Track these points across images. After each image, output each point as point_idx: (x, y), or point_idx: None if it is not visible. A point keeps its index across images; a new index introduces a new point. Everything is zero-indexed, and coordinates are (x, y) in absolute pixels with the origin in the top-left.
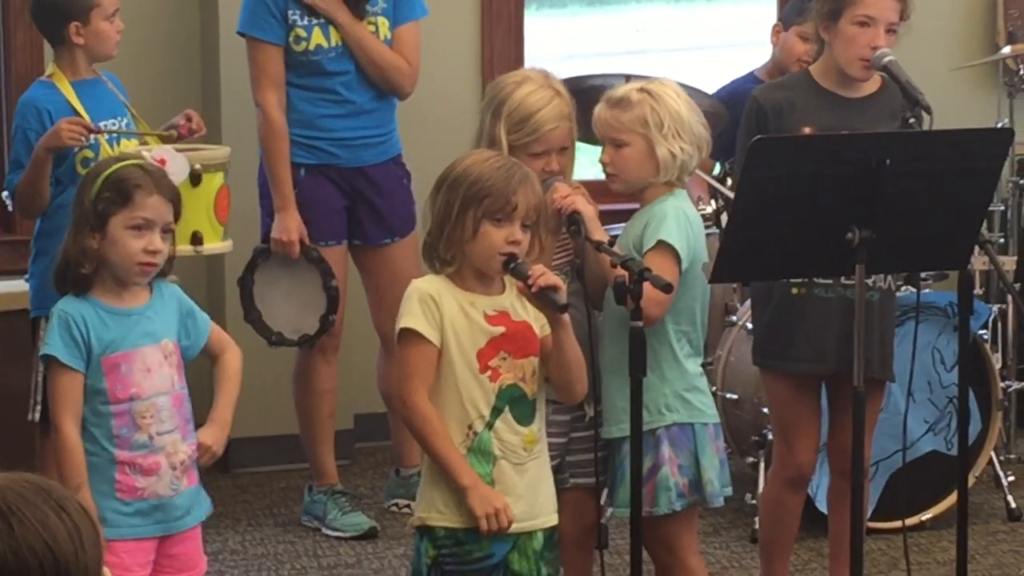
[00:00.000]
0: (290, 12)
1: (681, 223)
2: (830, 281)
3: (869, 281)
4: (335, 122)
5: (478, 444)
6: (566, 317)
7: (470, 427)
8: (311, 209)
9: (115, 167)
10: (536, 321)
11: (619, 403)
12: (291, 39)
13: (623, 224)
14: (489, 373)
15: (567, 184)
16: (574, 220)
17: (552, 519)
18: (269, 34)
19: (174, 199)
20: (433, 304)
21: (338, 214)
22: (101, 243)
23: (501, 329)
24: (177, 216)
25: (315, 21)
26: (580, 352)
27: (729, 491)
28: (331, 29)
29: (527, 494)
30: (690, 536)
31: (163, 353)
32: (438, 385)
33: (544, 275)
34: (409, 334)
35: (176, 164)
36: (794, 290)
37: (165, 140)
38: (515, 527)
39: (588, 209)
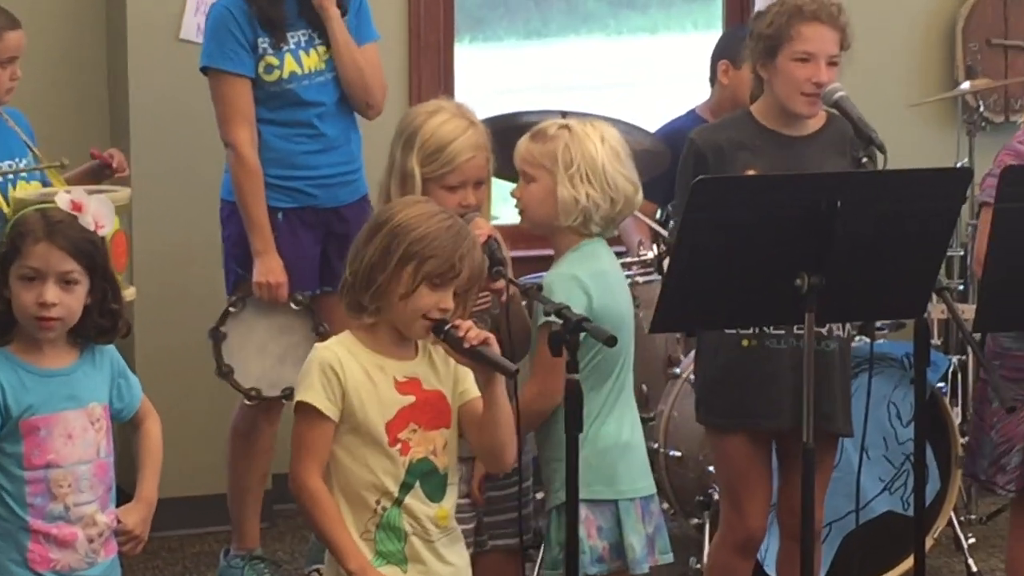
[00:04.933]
0: (260, 40)
1: (571, 291)
2: (782, 331)
3: (824, 330)
4: (313, 159)
5: (387, 520)
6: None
7: (378, 502)
8: (287, 258)
9: (20, 214)
10: (452, 390)
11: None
12: (261, 69)
13: (543, 272)
14: (399, 446)
15: (487, 222)
16: (496, 260)
17: None
18: (239, 66)
19: (75, 248)
20: (334, 376)
21: (313, 262)
22: (10, 295)
23: (411, 398)
24: (93, 266)
25: (286, 48)
26: (511, 414)
27: (669, 558)
28: (301, 55)
29: (441, 572)
30: None
31: (89, 418)
32: (345, 458)
33: (471, 330)
34: (306, 408)
35: (97, 211)
36: (744, 342)
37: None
38: None
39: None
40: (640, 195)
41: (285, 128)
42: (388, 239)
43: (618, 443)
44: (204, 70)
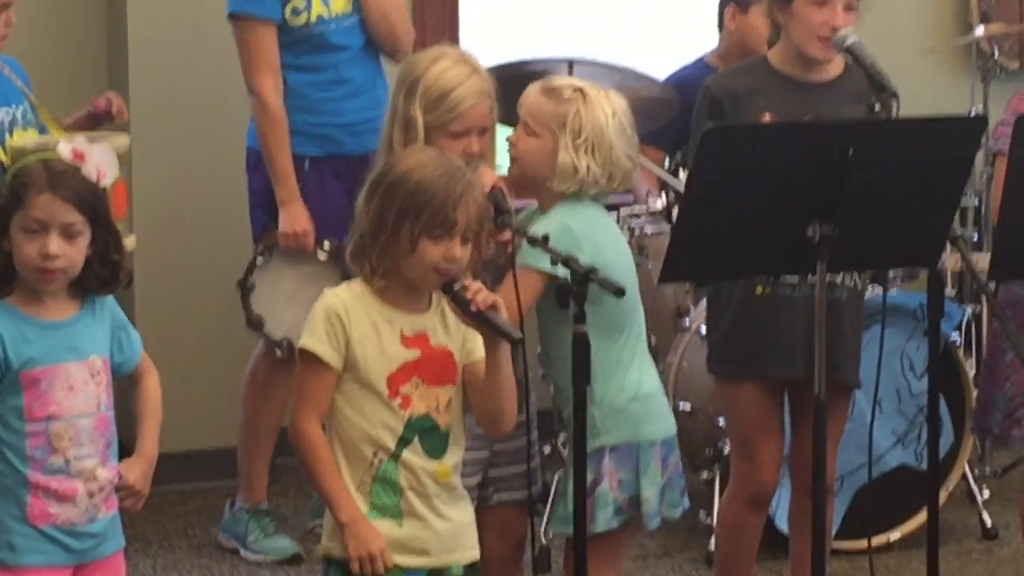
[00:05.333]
0: None
1: (563, 242)
2: (796, 280)
3: (837, 279)
4: (340, 104)
5: (383, 473)
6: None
7: (375, 455)
8: (314, 208)
9: (19, 164)
10: (459, 348)
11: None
12: (288, 12)
13: None
14: (399, 400)
15: (492, 171)
16: (501, 209)
17: (472, 554)
18: (266, 9)
19: (78, 199)
20: (339, 324)
21: (342, 212)
22: (10, 247)
23: (416, 353)
24: (96, 219)
25: None
26: (514, 382)
27: (676, 513)
28: None
29: (441, 527)
30: (610, 560)
31: (90, 371)
32: (345, 407)
33: (480, 293)
34: (308, 355)
35: (99, 160)
36: (758, 289)
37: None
38: (429, 561)
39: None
40: (636, 172)
41: (311, 74)
42: (383, 200)
43: (639, 394)
44: (231, 16)
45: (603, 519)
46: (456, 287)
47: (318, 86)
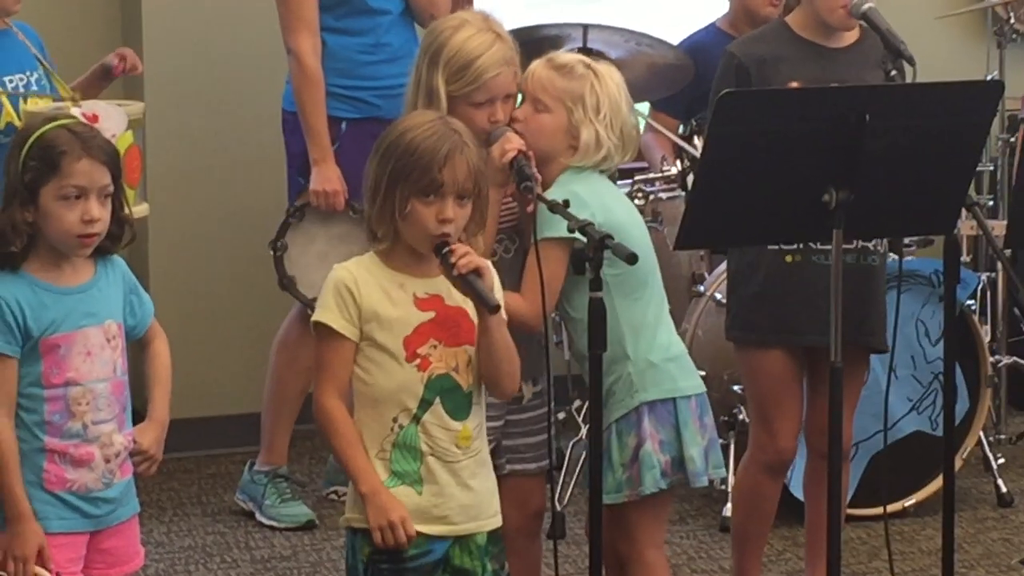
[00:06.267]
0: None
1: (572, 203)
2: (828, 247)
3: (871, 244)
4: (377, 69)
5: (403, 439)
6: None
7: (395, 420)
8: (350, 168)
9: (39, 132)
10: (473, 308)
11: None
12: None
13: None
14: (417, 362)
15: (517, 137)
16: (524, 176)
17: (494, 521)
18: None
19: (109, 160)
20: (349, 295)
21: None
22: (36, 216)
23: (431, 314)
24: (116, 177)
25: None
26: (512, 345)
27: (723, 472)
28: None
29: (461, 494)
30: (656, 525)
31: (106, 335)
32: (364, 375)
33: (466, 257)
34: (322, 328)
35: (111, 119)
36: (788, 258)
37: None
38: (451, 529)
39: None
40: (638, 141)
41: (350, 37)
42: (380, 164)
43: (671, 355)
44: None
45: (651, 480)
46: (444, 250)
47: (357, 49)
